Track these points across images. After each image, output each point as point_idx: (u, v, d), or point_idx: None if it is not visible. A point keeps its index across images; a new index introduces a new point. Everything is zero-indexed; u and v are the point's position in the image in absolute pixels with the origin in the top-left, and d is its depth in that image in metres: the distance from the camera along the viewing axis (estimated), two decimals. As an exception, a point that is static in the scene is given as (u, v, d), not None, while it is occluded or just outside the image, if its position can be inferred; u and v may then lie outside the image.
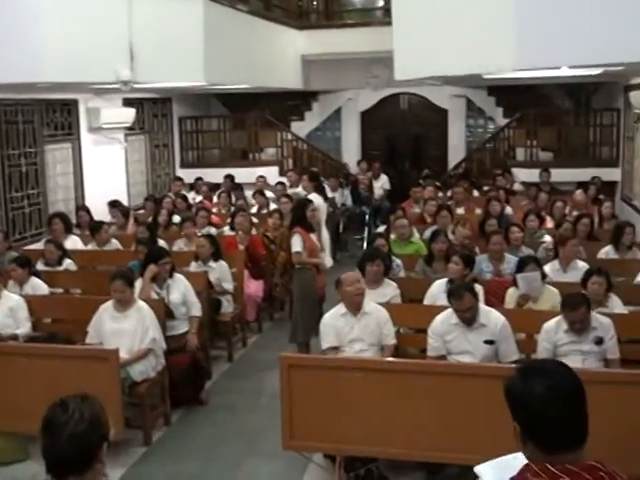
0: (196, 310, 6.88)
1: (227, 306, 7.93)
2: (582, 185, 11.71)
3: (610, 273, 6.11)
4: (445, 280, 6.34)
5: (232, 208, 10.76)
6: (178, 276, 6.95)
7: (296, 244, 7.46)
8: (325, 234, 8.87)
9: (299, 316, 7.44)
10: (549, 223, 9.06)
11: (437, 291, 6.38)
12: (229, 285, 7.90)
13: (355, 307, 5.63)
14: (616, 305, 6.01)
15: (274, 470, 5.50)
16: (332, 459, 5.18)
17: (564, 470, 1.83)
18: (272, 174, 14.06)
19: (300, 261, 7.51)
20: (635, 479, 1.97)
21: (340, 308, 5.70)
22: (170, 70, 8.99)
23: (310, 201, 8.04)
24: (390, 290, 6.53)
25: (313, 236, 7.72)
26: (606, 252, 7.69)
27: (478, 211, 10.15)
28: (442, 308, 5.65)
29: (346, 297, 5.63)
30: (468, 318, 5.32)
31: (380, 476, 5.16)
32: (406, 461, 5.23)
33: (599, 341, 5.30)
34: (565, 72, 8.88)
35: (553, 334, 5.36)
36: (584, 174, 12.56)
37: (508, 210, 10.06)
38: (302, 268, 7.55)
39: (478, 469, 2.15)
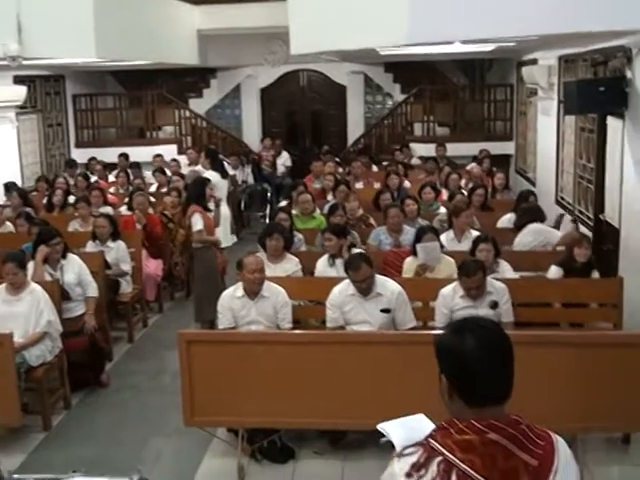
0: (92, 291, 6.75)
1: (126, 286, 7.82)
2: (477, 159, 12.06)
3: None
4: (327, 256, 6.49)
5: (130, 187, 10.58)
6: (72, 256, 6.79)
7: (198, 223, 7.48)
8: (226, 211, 8.86)
9: (202, 294, 7.42)
10: (445, 195, 9.31)
11: (322, 267, 6.52)
12: (127, 266, 7.78)
13: (254, 292, 5.62)
14: (506, 270, 6.25)
15: (178, 448, 5.48)
16: (235, 433, 5.22)
17: (490, 426, 1.88)
18: (170, 152, 13.84)
19: (202, 239, 7.53)
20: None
21: (238, 290, 5.65)
22: (60, 45, 8.69)
23: (208, 179, 8.06)
24: (292, 265, 6.60)
25: (209, 214, 7.78)
26: (508, 219, 7.96)
27: (377, 185, 10.31)
28: (338, 280, 5.72)
29: (245, 282, 5.60)
30: (365, 288, 5.41)
31: (283, 446, 5.22)
32: (308, 430, 5.32)
33: (494, 305, 5.52)
34: (459, 48, 9.09)
35: (450, 299, 5.54)
36: (479, 148, 12.90)
37: (406, 184, 10.28)
38: (203, 247, 7.57)
39: (382, 426, 2.17)
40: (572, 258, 6.17)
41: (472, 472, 1.85)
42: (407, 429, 2.14)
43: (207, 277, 7.46)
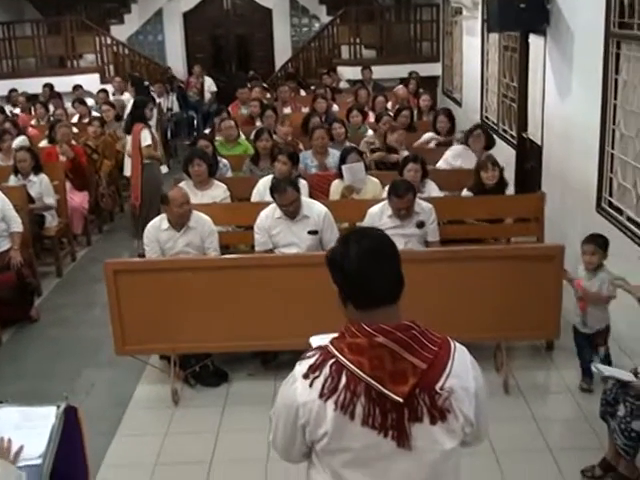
0: (16, 225, 6.59)
1: (51, 220, 7.65)
2: (405, 81, 12.04)
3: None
4: (270, 177, 6.42)
5: (51, 119, 10.26)
6: None
7: (147, 138, 7.80)
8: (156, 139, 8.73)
9: (151, 209, 7.42)
10: (372, 118, 9.30)
11: (263, 188, 6.44)
12: (51, 199, 7.58)
13: (180, 224, 5.55)
14: (432, 190, 6.33)
15: (111, 378, 5.49)
16: (168, 360, 5.24)
17: (378, 329, 1.95)
18: (93, 82, 13.46)
19: (151, 154, 7.89)
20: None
21: (163, 222, 5.56)
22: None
23: (150, 100, 8.44)
24: (220, 192, 6.55)
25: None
26: (430, 136, 8.06)
27: (305, 110, 10.23)
28: (266, 205, 5.72)
29: (172, 216, 5.51)
30: (291, 211, 5.42)
31: (216, 370, 5.29)
32: (241, 353, 5.39)
33: (421, 224, 5.60)
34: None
35: (377, 219, 5.59)
36: (406, 70, 12.89)
37: (335, 108, 10.23)
38: (151, 163, 7.91)
39: (311, 340, 2.25)
40: (481, 182, 6.21)
41: (360, 373, 1.93)
42: (325, 338, 2.20)
43: (155, 192, 7.45)
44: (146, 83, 13.06)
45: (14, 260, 6.44)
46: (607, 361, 4.79)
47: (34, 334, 6.37)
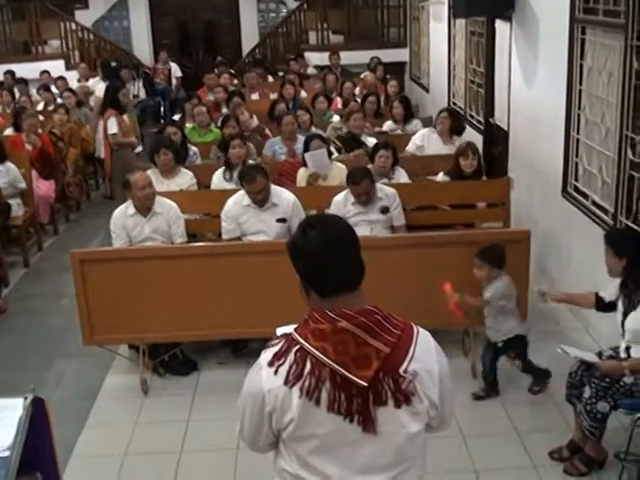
0: None
1: (17, 209, 7.54)
2: (370, 67, 12.03)
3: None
4: (222, 169, 6.47)
5: (16, 106, 10.09)
6: None
7: (112, 126, 8.09)
8: None
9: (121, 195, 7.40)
10: (339, 104, 9.28)
11: (217, 180, 6.49)
12: (23, 184, 7.53)
13: (145, 209, 5.51)
14: (401, 176, 6.34)
15: (80, 368, 5.45)
16: (137, 349, 5.21)
17: (341, 314, 1.96)
18: (58, 68, 13.24)
19: (117, 142, 8.13)
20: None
21: (129, 208, 5.52)
22: None
23: (122, 85, 8.68)
24: (186, 179, 6.50)
25: (126, 118, 8.30)
26: (388, 125, 8.08)
27: (273, 96, 10.18)
28: (232, 192, 5.69)
29: (136, 200, 5.48)
30: (260, 200, 5.40)
31: (185, 359, 5.27)
32: (210, 342, 5.37)
33: (385, 210, 5.63)
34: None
35: (342, 206, 5.60)
36: (374, 56, 12.84)
37: (303, 94, 10.19)
38: (120, 149, 8.16)
39: (277, 330, 2.25)
40: (459, 168, 6.23)
41: (324, 358, 1.94)
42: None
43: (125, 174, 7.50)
44: (114, 63, 12.93)
45: None
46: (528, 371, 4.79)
47: (1, 325, 6.29)
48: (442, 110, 7.40)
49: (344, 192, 5.66)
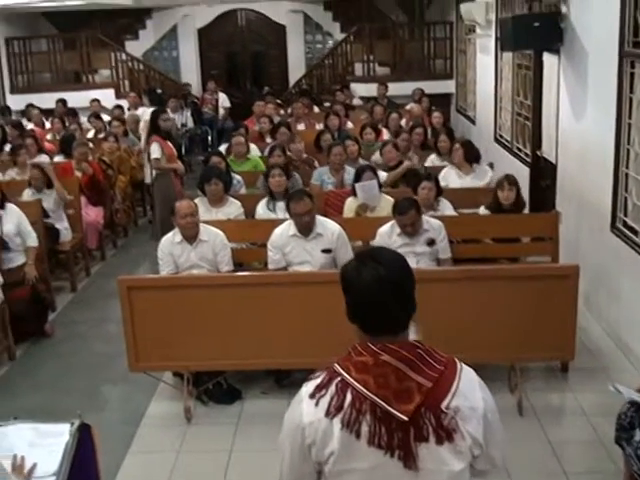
0: (32, 240, 6.63)
1: (66, 234, 7.69)
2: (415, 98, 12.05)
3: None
4: (266, 199, 6.53)
5: (65, 134, 10.31)
6: (10, 206, 6.63)
7: (154, 151, 8.25)
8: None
9: (162, 218, 7.81)
10: (385, 135, 9.31)
11: (262, 210, 6.54)
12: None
13: (191, 237, 5.59)
14: (446, 208, 6.32)
15: (125, 394, 5.50)
16: (181, 377, 5.24)
17: (384, 347, 1.95)
18: (108, 97, 13.55)
19: (159, 167, 8.32)
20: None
21: (176, 235, 5.61)
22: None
23: (163, 110, 8.75)
24: (234, 209, 6.57)
25: (170, 143, 8.44)
26: (431, 159, 8.08)
27: (319, 126, 10.26)
28: (280, 222, 5.72)
29: (180, 228, 5.57)
30: (306, 225, 5.40)
31: (229, 388, 5.28)
32: (254, 371, 5.37)
33: (431, 242, 5.61)
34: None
35: (387, 237, 5.60)
36: (420, 87, 12.86)
37: (349, 125, 10.25)
38: (161, 173, 8.36)
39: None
40: (498, 201, 6.19)
41: (365, 391, 1.93)
42: None
43: (164, 201, 7.94)
44: (159, 91, 13.17)
45: (29, 275, 6.48)
46: None
47: (48, 349, 6.38)
48: (456, 141, 7.53)
49: (390, 223, 5.66)
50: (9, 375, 5.92)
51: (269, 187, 6.64)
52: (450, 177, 7.24)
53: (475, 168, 7.27)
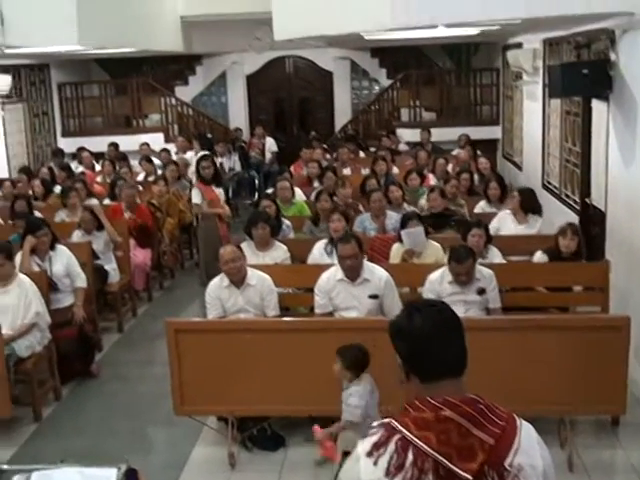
0: (81, 281, 6.75)
1: (114, 276, 7.81)
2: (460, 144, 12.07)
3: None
4: (325, 241, 6.49)
5: (115, 177, 10.51)
6: (60, 247, 6.78)
7: (194, 196, 8.62)
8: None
9: (206, 261, 8.19)
10: (431, 180, 9.32)
11: (319, 253, 6.53)
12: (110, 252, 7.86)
13: (238, 281, 5.62)
14: (495, 256, 6.27)
15: (169, 437, 5.51)
16: (225, 421, 5.23)
17: (444, 402, 1.91)
18: (157, 141, 13.79)
19: (200, 212, 8.63)
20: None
21: (223, 280, 5.64)
22: (42, 33, 8.61)
23: (205, 157, 8.92)
24: (280, 253, 6.60)
25: (216, 189, 8.60)
26: (482, 206, 8.03)
27: (364, 171, 10.32)
28: (327, 267, 5.73)
29: (225, 273, 5.63)
30: (352, 270, 5.40)
31: (273, 434, 5.25)
32: (299, 417, 5.34)
33: (481, 291, 5.55)
34: (444, 32, 9.05)
35: (438, 285, 5.56)
36: (466, 133, 12.88)
37: (395, 170, 10.30)
38: (205, 217, 8.58)
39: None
40: (558, 248, 6.14)
41: (428, 448, 1.88)
42: None
43: (208, 246, 8.26)
44: (209, 135, 13.37)
45: (77, 316, 6.58)
46: None
47: (94, 389, 6.44)
48: (515, 189, 7.43)
49: (441, 270, 5.62)
50: (55, 415, 5.98)
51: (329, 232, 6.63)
52: (506, 223, 7.16)
53: (529, 218, 7.15)
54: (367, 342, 4.59)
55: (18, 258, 6.41)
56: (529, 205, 7.21)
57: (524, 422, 2.01)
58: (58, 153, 12.60)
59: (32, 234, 6.59)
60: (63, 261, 6.69)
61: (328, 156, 11.94)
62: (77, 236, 7.68)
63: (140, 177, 11.09)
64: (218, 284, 5.66)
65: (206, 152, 10.51)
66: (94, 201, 8.83)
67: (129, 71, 15.38)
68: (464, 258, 5.41)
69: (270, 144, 14.42)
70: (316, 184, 9.45)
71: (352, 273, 5.44)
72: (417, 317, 2.01)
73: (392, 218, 7.19)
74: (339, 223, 6.50)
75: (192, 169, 10.57)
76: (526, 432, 1.99)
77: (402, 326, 2.04)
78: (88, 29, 9.14)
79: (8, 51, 8.71)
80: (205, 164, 8.62)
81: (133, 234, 8.41)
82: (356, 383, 4.19)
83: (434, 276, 5.63)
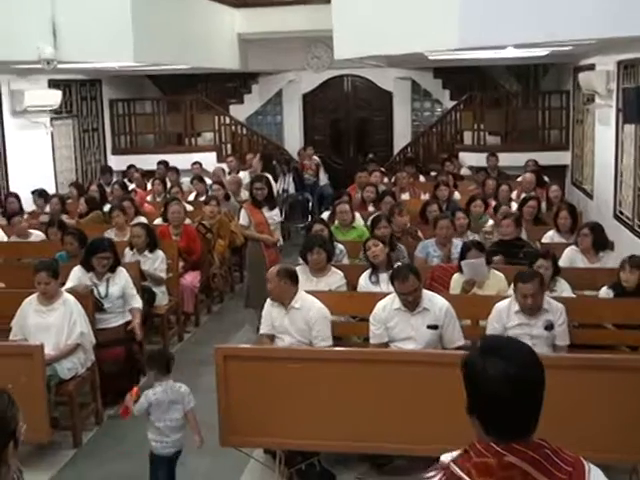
0: (137, 302, 6.85)
1: (161, 298, 7.87)
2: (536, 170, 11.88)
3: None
4: (369, 272, 6.51)
5: (167, 196, 10.64)
6: (121, 270, 6.88)
7: (241, 218, 8.52)
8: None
9: (250, 284, 8.24)
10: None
11: (365, 284, 6.52)
12: (163, 274, 7.87)
13: (280, 301, 5.71)
14: (564, 289, 6.14)
15: (214, 468, 5.48)
16: (273, 454, 5.20)
17: (509, 448, 1.87)
18: (209, 160, 13.96)
19: (244, 234, 8.64)
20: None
21: None
22: (96, 49, 8.82)
23: (259, 178, 8.76)
24: (336, 279, 6.60)
25: (267, 212, 8.37)
26: (550, 236, 7.85)
27: (424, 197, 10.27)
28: (383, 295, 5.69)
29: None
30: (411, 302, 5.38)
31: (322, 470, 5.19)
32: (350, 454, 5.28)
33: (549, 326, 5.41)
34: (512, 53, 9.02)
35: (504, 315, 5.48)
36: (533, 158, 12.72)
37: (456, 195, 10.21)
38: (251, 242, 8.46)
39: (442, 457, 2.17)
40: (620, 283, 6.02)
41: None
42: None
43: (253, 269, 8.33)
44: (274, 162, 13.41)
45: (137, 335, 6.74)
46: None
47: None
48: (582, 226, 7.20)
49: (509, 299, 5.55)
50: (95, 440, 6.02)
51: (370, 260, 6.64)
52: (576, 262, 6.97)
53: (601, 257, 6.95)
54: (424, 376, 4.54)
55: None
56: (601, 243, 6.99)
57: (592, 466, 1.96)
58: (107, 171, 12.83)
59: (93, 255, 6.69)
60: (121, 283, 6.79)
61: (386, 180, 11.91)
62: (129, 256, 7.78)
63: (191, 197, 11.21)
64: (271, 302, 5.78)
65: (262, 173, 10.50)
66: (142, 219, 8.93)
67: (183, 88, 15.63)
68: (529, 277, 5.34)
69: (317, 163, 14.48)
70: (371, 208, 9.42)
71: (411, 303, 5.41)
72: (491, 360, 1.94)
73: (457, 246, 7.12)
74: (375, 248, 6.50)
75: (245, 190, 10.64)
76: (595, 477, 1.93)
77: (474, 371, 1.97)
78: (143, 45, 9.32)
79: (61, 66, 8.91)
80: (259, 185, 8.46)
81: (182, 256, 8.47)
82: (158, 384, 4.86)
83: (501, 305, 5.56)
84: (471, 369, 1.98)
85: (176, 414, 4.79)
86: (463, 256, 6.43)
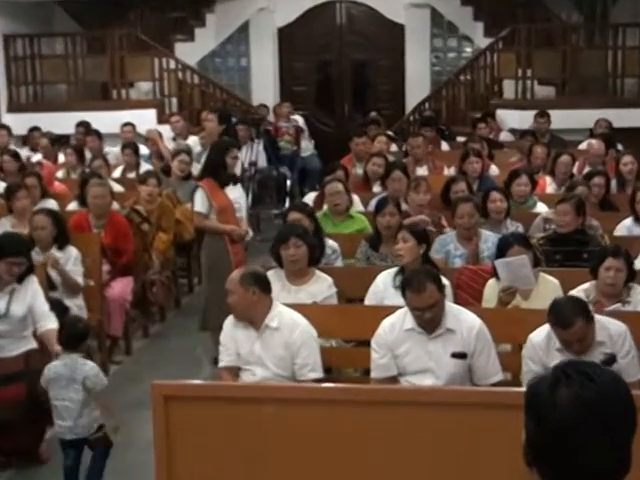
0: (52, 321, 6.66)
1: (77, 314, 7.82)
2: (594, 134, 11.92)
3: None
4: (394, 270, 6.43)
5: (86, 171, 10.59)
6: (31, 280, 6.77)
7: (197, 202, 8.20)
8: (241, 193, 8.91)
9: (210, 295, 7.99)
10: (549, 187, 9.23)
11: (383, 287, 6.47)
12: (80, 278, 7.82)
13: (247, 320, 5.70)
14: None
15: None
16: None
17: None
18: (147, 120, 13.93)
19: (201, 225, 8.44)
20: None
21: None
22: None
23: (233, 144, 8.68)
24: (323, 287, 6.59)
25: (234, 191, 8.24)
26: (627, 227, 7.89)
27: (448, 171, 10.28)
28: (392, 310, 5.70)
29: None
30: (429, 320, 5.38)
31: None
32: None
33: (609, 361, 5.28)
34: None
35: (542, 351, 5.37)
36: (599, 117, 12.77)
37: (493, 170, 10.23)
38: (211, 235, 8.29)
39: None
40: None
41: None
42: None
43: (213, 274, 8.09)
44: (234, 119, 13.36)
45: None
46: None
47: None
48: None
49: (547, 329, 5.40)
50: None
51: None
52: None
53: None
54: (448, 424, 4.54)
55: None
56: None
57: None
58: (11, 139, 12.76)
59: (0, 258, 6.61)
60: (27, 300, 6.67)
61: (394, 148, 11.91)
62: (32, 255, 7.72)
63: (117, 172, 11.12)
64: (234, 321, 5.77)
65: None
66: (51, 204, 8.86)
67: (108, 20, 15.61)
68: (570, 320, 5.15)
69: (300, 123, 14.47)
70: (376, 189, 9.41)
71: (429, 323, 5.41)
72: (564, 392, 1.98)
73: (488, 241, 7.12)
74: (405, 244, 6.45)
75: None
76: None
77: (538, 397, 2.02)
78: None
79: None
80: (234, 153, 8.53)
81: (107, 255, 8.42)
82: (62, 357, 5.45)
83: (538, 337, 5.44)
84: (535, 398, 2.03)
85: (74, 394, 5.26)
86: (501, 253, 6.44)
